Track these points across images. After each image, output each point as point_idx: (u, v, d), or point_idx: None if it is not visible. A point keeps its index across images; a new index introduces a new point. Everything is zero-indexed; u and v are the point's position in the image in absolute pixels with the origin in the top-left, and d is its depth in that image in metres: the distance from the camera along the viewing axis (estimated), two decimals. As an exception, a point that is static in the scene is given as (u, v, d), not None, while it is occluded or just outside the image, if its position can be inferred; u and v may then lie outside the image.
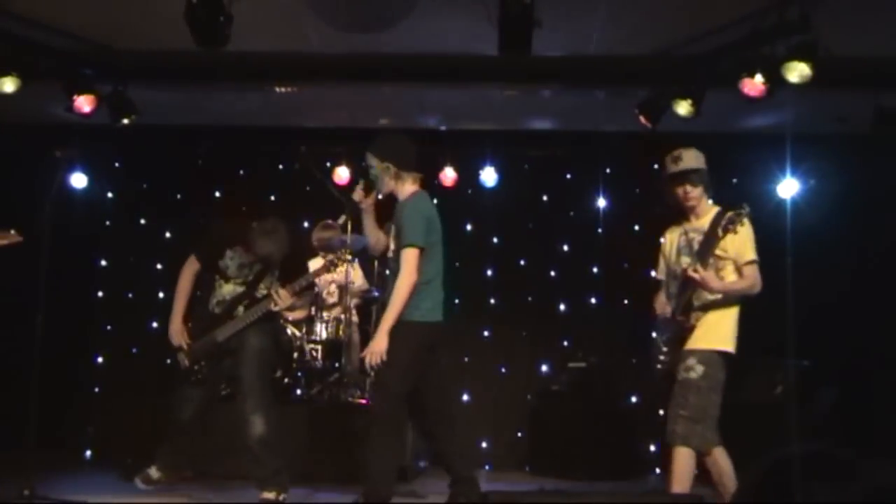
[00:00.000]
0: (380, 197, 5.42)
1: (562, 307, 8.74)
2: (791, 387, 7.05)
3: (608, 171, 8.67)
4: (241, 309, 6.00)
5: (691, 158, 5.26)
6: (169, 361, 7.74)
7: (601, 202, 8.64)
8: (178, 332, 6.08)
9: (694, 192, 5.24)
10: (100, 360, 8.72)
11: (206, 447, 6.56)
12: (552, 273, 8.83)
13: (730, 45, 6.30)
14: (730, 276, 5.18)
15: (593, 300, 8.67)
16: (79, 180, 8.32)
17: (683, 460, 4.96)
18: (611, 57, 6.84)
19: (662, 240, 5.50)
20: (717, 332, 5.13)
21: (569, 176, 8.97)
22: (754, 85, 6.18)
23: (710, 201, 5.33)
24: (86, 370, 8.64)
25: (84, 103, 6.77)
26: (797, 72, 6.03)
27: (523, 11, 5.52)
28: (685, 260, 5.22)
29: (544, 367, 8.67)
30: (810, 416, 7.05)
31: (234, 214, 7.15)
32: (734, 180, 8.07)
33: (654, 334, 5.36)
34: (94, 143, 7.76)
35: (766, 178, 7.97)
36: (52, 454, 6.79)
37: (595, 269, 8.68)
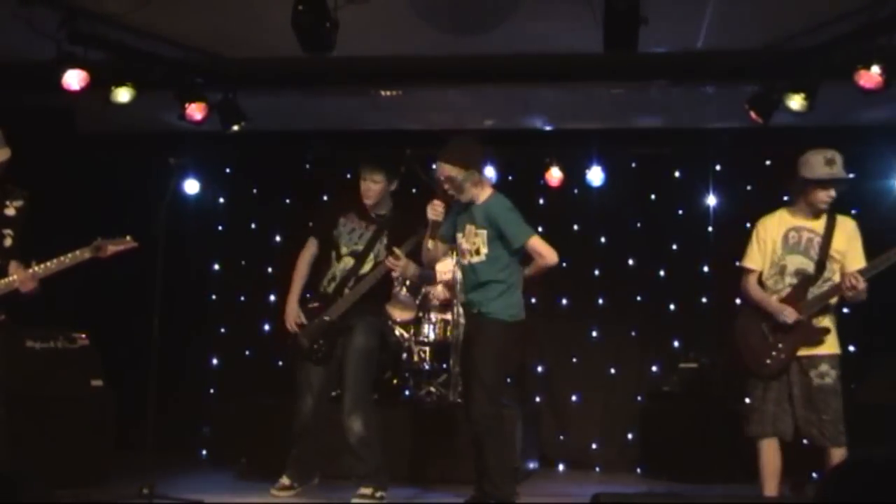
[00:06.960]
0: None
1: (671, 307, 8.56)
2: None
3: (718, 168, 8.48)
4: (350, 286, 6.04)
5: (842, 165, 5.21)
6: (281, 364, 7.95)
7: (711, 200, 8.45)
8: (291, 314, 6.13)
9: (833, 197, 5.24)
10: (214, 361, 8.91)
11: (332, 448, 6.48)
12: (661, 272, 8.67)
13: (844, 35, 6.08)
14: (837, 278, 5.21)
15: (704, 299, 8.47)
16: (191, 186, 8.51)
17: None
18: (719, 51, 6.69)
19: (761, 230, 5.44)
20: (836, 336, 5.24)
21: (677, 174, 8.78)
22: (870, 77, 5.98)
23: None
24: (201, 372, 8.82)
25: (195, 111, 6.92)
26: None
27: (628, 8, 5.44)
28: (798, 258, 5.23)
29: (654, 368, 8.53)
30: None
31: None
32: (850, 175, 7.79)
33: (761, 327, 5.32)
34: (205, 149, 7.97)
35: (885, 173, 7.70)
36: (169, 454, 6.96)
37: (705, 268, 8.49)
